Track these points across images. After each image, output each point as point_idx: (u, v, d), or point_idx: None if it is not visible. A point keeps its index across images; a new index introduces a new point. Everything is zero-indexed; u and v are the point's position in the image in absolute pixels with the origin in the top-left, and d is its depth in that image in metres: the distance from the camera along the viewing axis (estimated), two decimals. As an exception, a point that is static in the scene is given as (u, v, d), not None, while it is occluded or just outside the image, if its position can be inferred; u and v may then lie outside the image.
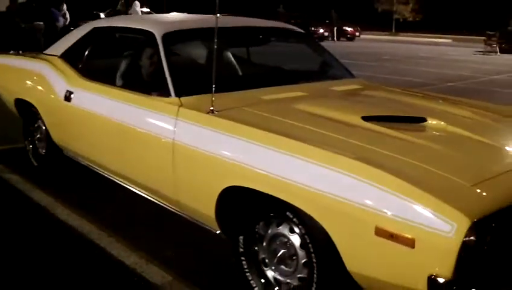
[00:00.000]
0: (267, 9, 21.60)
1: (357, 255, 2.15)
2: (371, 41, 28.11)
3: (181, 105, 2.96)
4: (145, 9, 20.73)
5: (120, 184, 3.61)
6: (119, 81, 3.68)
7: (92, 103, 3.58)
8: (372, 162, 2.15)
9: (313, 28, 25.33)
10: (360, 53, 18.80)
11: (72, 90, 3.79)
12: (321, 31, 25.88)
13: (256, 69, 3.92)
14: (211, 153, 2.66)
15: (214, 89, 2.79)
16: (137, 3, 17.59)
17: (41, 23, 16.20)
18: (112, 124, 3.38)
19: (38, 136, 4.55)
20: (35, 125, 4.56)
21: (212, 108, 2.80)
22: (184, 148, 2.82)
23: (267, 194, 2.43)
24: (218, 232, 2.87)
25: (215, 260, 3.15)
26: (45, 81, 4.10)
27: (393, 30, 35.84)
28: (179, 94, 3.05)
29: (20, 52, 14.63)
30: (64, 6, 17.59)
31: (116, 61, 3.92)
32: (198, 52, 3.77)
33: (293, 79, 3.66)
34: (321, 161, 2.23)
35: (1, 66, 4.98)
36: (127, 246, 3.27)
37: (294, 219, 2.37)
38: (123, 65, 3.75)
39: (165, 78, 3.13)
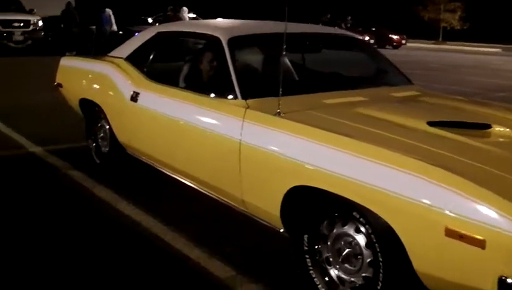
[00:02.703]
0: (311, 17, 21.58)
1: (426, 255, 2.20)
2: (417, 50, 27.77)
3: (248, 107, 3.08)
4: (192, 15, 21.13)
5: (183, 182, 3.76)
6: (184, 84, 3.83)
7: (159, 104, 3.74)
8: (442, 165, 2.21)
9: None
10: (405, 61, 18.56)
11: (138, 91, 3.97)
12: (367, 38, 25.74)
13: (315, 74, 4.01)
14: (279, 154, 2.76)
15: (281, 92, 2.90)
16: (185, 9, 17.96)
17: (94, 27, 16.75)
18: (177, 124, 3.53)
19: (101, 135, 4.75)
20: (99, 124, 4.77)
21: (279, 110, 2.90)
22: (251, 149, 2.93)
23: (334, 194, 2.51)
24: (281, 230, 2.96)
25: (276, 256, 3.24)
26: (111, 82, 4.29)
27: (440, 38, 35.30)
28: (245, 97, 3.17)
29: (74, 53, 15.23)
30: (107, 12, 17.98)
31: (179, 64, 4.09)
32: (261, 56, 3.89)
33: (353, 84, 3.74)
34: (391, 163, 2.30)
35: (67, 68, 5.23)
36: (190, 240, 3.41)
37: (361, 219, 2.44)
38: (188, 68, 3.90)
39: (232, 81, 3.26)
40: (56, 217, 3.81)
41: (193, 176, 3.54)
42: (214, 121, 3.25)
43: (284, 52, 2.96)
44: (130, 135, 4.17)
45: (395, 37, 28.01)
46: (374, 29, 27.48)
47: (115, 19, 18.00)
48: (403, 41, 28.40)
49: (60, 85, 5.24)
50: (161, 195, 4.23)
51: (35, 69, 12.04)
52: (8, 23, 15.24)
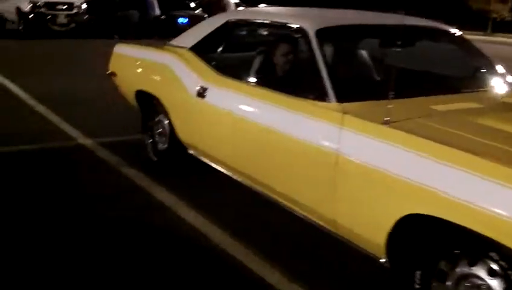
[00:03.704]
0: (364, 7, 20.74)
1: None
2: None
3: (345, 112, 2.62)
4: (236, 0, 20.64)
5: (253, 190, 3.33)
6: (260, 80, 3.39)
7: (232, 102, 3.31)
8: None
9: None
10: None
11: (206, 86, 3.55)
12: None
13: (414, 74, 3.49)
14: (390, 173, 2.30)
15: (391, 95, 2.44)
16: (230, -6, 17.47)
17: (136, 11, 16.46)
18: (254, 126, 3.10)
19: (159, 130, 4.35)
20: (156, 119, 4.38)
21: (388, 118, 2.43)
22: (352, 163, 2.47)
23: (463, 227, 2.04)
24: (382, 260, 2.51)
25: (362, 282, 2.81)
26: (174, 74, 3.88)
27: (489, 30, 33.83)
28: (340, 100, 2.72)
29: (116, 36, 15.07)
30: None
31: (248, 56, 3.66)
32: (354, 51, 3.41)
33: (457, 87, 3.23)
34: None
35: (122, 56, 4.85)
36: (265, 260, 2.98)
37: (502, 262, 1.97)
38: (264, 62, 3.46)
39: (322, 80, 2.81)
40: (110, 220, 3.45)
41: (272, 187, 3.10)
42: (301, 126, 2.80)
43: (399, 49, 2.48)
44: (194, 134, 3.76)
45: (442, 27, 26.88)
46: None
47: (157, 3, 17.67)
48: (451, 33, 27.24)
49: (113, 74, 4.87)
50: (228, 203, 3.77)
51: (81, 53, 11.81)
52: (52, 6, 15.06)
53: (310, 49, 2.96)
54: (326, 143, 2.60)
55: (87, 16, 15.57)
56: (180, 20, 17.61)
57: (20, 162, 4.53)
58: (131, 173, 4.32)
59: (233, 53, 3.89)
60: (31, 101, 6.78)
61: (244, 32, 3.95)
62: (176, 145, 4.09)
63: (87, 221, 3.43)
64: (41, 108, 6.42)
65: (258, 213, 3.57)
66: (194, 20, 17.99)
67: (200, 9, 18.46)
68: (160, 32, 16.68)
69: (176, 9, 18.04)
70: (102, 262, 2.93)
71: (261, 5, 19.27)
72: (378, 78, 2.50)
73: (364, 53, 3.39)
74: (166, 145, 4.28)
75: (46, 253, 3.01)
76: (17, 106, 6.58)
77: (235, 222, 3.43)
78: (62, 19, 14.99)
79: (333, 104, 2.71)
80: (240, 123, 3.22)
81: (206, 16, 17.51)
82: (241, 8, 17.26)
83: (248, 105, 3.19)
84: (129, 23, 16.23)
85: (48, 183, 4.05)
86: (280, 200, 3.09)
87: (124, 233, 3.30)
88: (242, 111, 3.21)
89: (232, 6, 18.59)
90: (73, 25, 15.20)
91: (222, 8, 17.04)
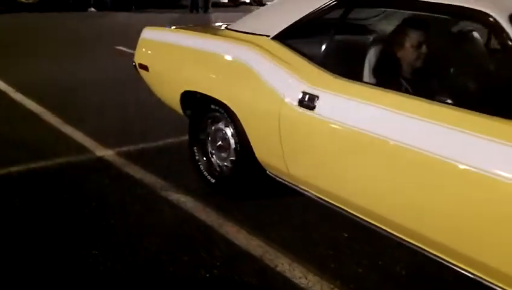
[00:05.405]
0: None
1: None
2: None
3: None
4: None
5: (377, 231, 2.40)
6: (407, 86, 2.42)
7: (366, 117, 2.29)
8: None
9: None
10: None
11: (314, 92, 2.52)
12: None
13: None
14: None
15: None
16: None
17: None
18: (407, 152, 2.11)
19: (218, 143, 3.32)
20: (212, 128, 3.35)
21: None
22: None
23: None
24: None
25: None
26: (256, 74, 2.81)
27: None
28: None
29: (92, 9, 13.82)
30: None
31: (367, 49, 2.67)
32: None
33: None
34: None
35: (158, 44, 3.73)
36: None
37: None
38: (387, 57, 2.48)
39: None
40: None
41: (424, 235, 2.16)
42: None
43: None
44: (288, 155, 2.73)
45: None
46: None
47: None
48: None
49: (143, 67, 3.76)
50: (345, 248, 2.79)
51: (55, 31, 10.37)
52: (18, -23, 13.53)
53: (504, 43, 2.00)
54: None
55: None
56: (158, -11, 16.36)
57: (34, 189, 3.44)
58: (184, 201, 3.27)
59: (345, 43, 2.85)
60: (17, 95, 5.60)
61: (363, 15, 2.90)
62: (248, 163, 3.09)
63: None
64: (32, 105, 5.24)
65: (383, 255, 2.64)
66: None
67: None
68: (137, 4, 15.42)
69: None
70: None
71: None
72: None
73: None
74: (228, 164, 3.26)
75: None
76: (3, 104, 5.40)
77: (362, 275, 2.49)
78: (28, -9, 13.45)
79: None
80: (381, 148, 2.23)
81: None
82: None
83: (400, 123, 2.18)
84: None
85: (80, 226, 2.98)
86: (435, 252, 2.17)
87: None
88: (384, 131, 2.21)
89: None
90: (41, -4, 13.69)
91: None
